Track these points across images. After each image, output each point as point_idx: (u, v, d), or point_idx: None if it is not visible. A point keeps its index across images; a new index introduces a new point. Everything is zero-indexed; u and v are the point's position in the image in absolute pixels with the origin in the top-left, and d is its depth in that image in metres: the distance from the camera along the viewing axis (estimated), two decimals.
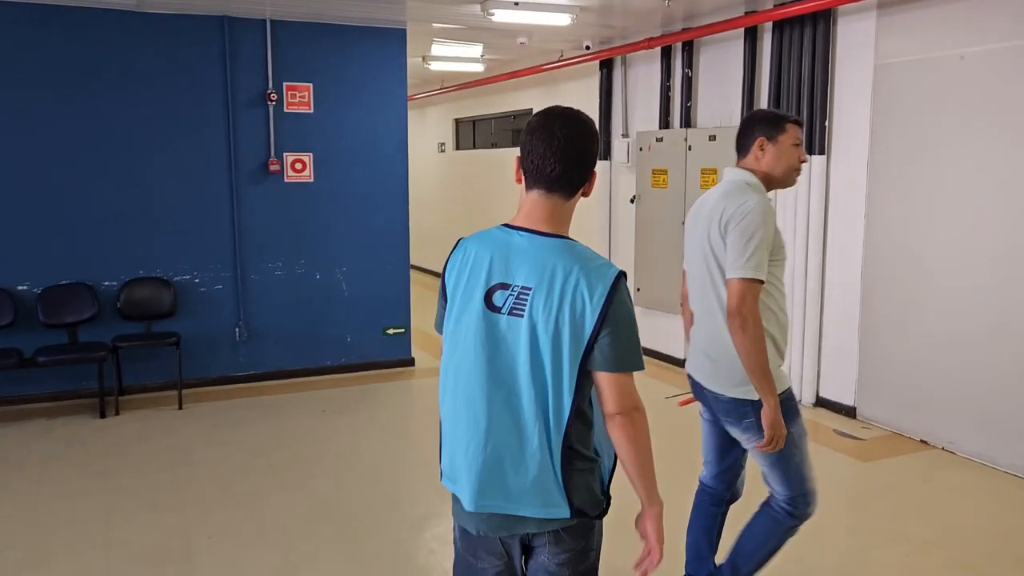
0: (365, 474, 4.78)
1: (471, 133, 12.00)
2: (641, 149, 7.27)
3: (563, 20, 6.40)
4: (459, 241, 1.94)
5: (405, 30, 6.87)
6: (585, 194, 1.89)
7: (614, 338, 1.78)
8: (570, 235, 1.88)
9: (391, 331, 7.12)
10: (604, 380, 1.81)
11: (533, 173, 1.83)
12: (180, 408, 6.00)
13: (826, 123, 5.72)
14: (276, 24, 6.45)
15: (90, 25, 5.96)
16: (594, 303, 1.76)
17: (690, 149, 6.68)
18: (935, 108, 5.04)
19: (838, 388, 5.84)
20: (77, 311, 6.01)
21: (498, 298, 1.81)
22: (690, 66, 6.92)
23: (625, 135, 7.85)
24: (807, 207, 5.86)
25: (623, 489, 2.02)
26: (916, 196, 5.18)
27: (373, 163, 6.93)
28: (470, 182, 11.54)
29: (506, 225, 1.89)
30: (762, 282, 2.63)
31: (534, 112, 1.92)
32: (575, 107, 1.88)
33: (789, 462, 2.83)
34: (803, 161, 2.86)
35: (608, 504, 1.95)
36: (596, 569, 2.00)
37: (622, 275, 1.80)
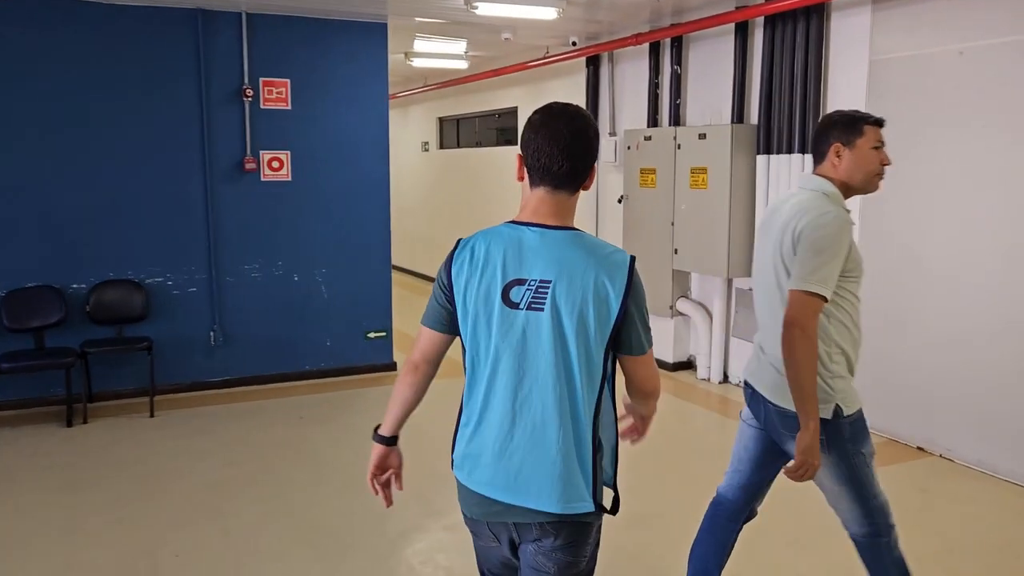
0: (343, 485, 4.58)
1: (455, 132, 11.82)
2: (629, 148, 7.12)
3: (549, 14, 6.23)
4: (460, 241, 1.94)
5: (386, 24, 6.67)
6: (585, 188, 1.91)
7: (639, 320, 1.86)
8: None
9: (372, 335, 6.92)
10: (638, 362, 1.91)
11: (540, 171, 1.86)
12: (152, 416, 5.77)
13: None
14: (252, 17, 6.23)
15: (55, 17, 5.72)
16: (616, 289, 1.81)
17: (679, 148, 6.52)
18: (932, 105, 4.91)
19: None
20: (44, 315, 5.76)
21: (515, 294, 1.83)
22: (679, 63, 6.77)
23: (612, 134, 7.71)
24: None
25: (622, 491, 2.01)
26: (913, 195, 5.04)
27: (354, 161, 6.73)
28: (454, 182, 11.36)
29: (513, 222, 1.90)
30: (825, 299, 2.46)
31: (533, 110, 1.91)
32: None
33: (863, 482, 2.67)
34: (885, 164, 2.65)
35: (618, 500, 1.98)
36: (592, 572, 2.01)
37: (634, 259, 1.87)
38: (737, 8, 6.00)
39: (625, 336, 1.85)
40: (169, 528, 4.04)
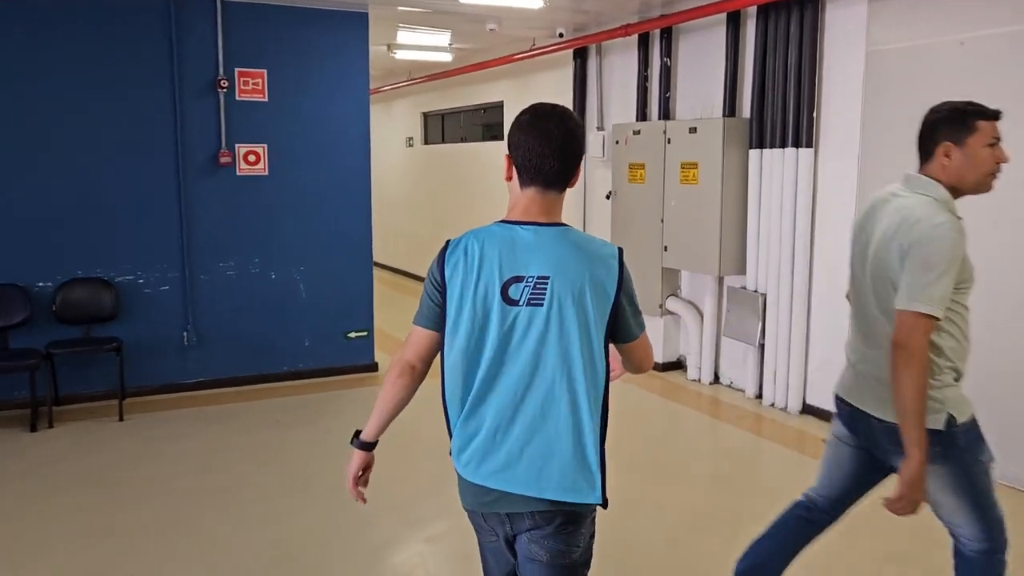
0: (321, 494, 4.37)
1: (440, 127, 11.61)
2: (617, 142, 6.94)
3: (534, 3, 6.05)
4: (450, 241, 1.96)
5: (367, 13, 6.45)
6: (571, 186, 1.96)
7: (631, 306, 1.95)
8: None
9: (353, 335, 6.71)
10: (635, 347, 2.00)
11: (532, 171, 1.90)
12: (121, 420, 5.53)
13: (814, 115, 5.41)
14: (227, 5, 6.00)
15: (16, 5, 5.46)
16: (610, 280, 1.89)
17: (669, 142, 6.35)
18: (932, 98, 4.68)
19: (826, 394, 5.48)
20: (7, 315, 5.52)
21: (514, 291, 1.87)
22: (669, 55, 6.60)
23: (600, 128, 7.53)
24: (793, 204, 5.56)
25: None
26: None
27: (334, 156, 6.51)
28: (439, 178, 11.16)
29: (505, 221, 1.94)
30: (937, 319, 2.27)
31: (519, 104, 1.85)
32: (550, 101, 1.97)
33: (982, 492, 2.48)
34: (1002, 162, 2.42)
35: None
36: (587, 564, 2.02)
37: (622, 250, 1.95)
38: None
39: (623, 324, 1.94)
40: (135, 542, 3.83)
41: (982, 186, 2.45)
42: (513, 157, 1.92)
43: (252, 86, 6.17)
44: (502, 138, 8.44)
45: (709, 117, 6.22)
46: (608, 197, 7.16)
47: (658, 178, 6.46)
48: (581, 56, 7.70)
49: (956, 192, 2.43)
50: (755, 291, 5.90)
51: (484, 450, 1.90)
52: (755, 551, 2.84)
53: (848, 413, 2.62)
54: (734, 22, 5.95)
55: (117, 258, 5.91)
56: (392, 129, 12.55)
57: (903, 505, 2.36)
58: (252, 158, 6.22)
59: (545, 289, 1.85)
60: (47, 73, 5.59)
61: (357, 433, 2.13)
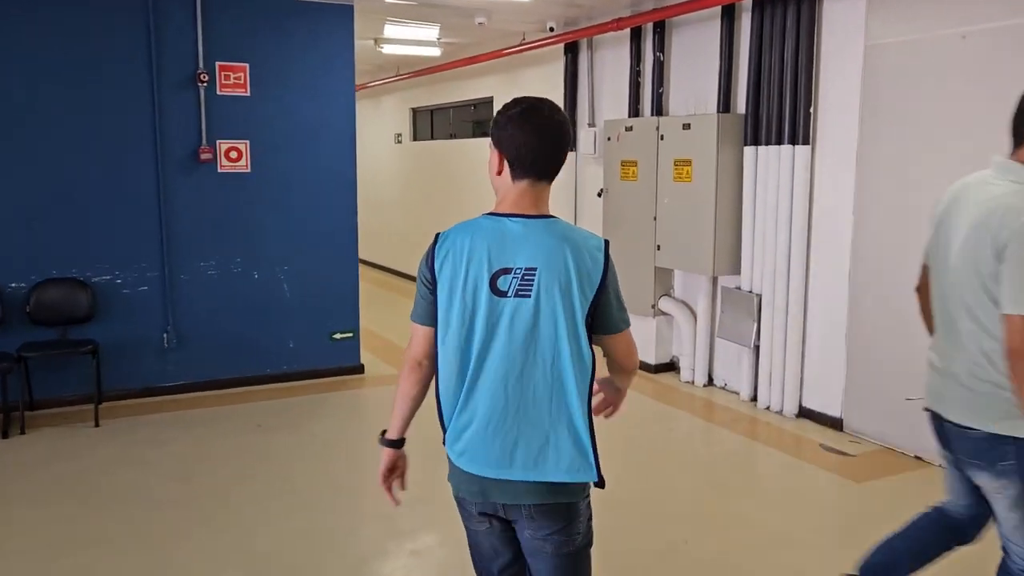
0: (301, 503, 4.21)
1: (429, 123, 11.44)
2: (609, 139, 6.79)
3: None
4: (440, 234, 1.99)
5: (352, 6, 6.28)
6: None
7: (616, 299, 1.98)
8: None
9: (338, 336, 6.54)
10: (618, 340, 2.02)
11: (526, 164, 1.94)
12: (97, 425, 5.35)
13: (811, 111, 5.28)
14: None
15: None
16: (597, 269, 1.93)
17: (662, 139, 6.20)
18: (933, 94, 4.62)
19: (823, 397, 5.40)
20: None
21: (502, 283, 1.90)
22: (662, 49, 6.45)
23: (592, 124, 7.38)
24: (789, 202, 5.42)
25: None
26: (911, 190, 4.75)
27: (318, 152, 6.34)
28: (429, 174, 11.00)
29: (493, 213, 1.98)
30: None
31: (496, 101, 1.71)
32: (538, 95, 2.01)
33: None
34: None
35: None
36: (589, 545, 2.07)
37: (608, 242, 2.00)
38: None
39: (606, 316, 1.97)
40: (111, 552, 3.67)
41: None
42: (505, 151, 1.94)
43: (234, 80, 5.99)
44: None
45: (703, 113, 6.07)
46: (600, 195, 7.01)
47: (651, 176, 6.32)
48: (572, 51, 7.55)
49: None
50: (750, 291, 5.77)
51: (479, 440, 1.94)
52: (884, 549, 2.70)
53: (938, 426, 2.46)
54: (729, 15, 5.80)
55: (94, 257, 5.73)
56: (381, 125, 12.38)
57: None
58: (234, 154, 6.05)
59: (533, 280, 1.89)
60: (18, 65, 5.40)
61: (384, 432, 2.16)
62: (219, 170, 6.01)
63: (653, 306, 6.52)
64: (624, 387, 2.17)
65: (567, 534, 1.99)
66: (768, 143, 5.53)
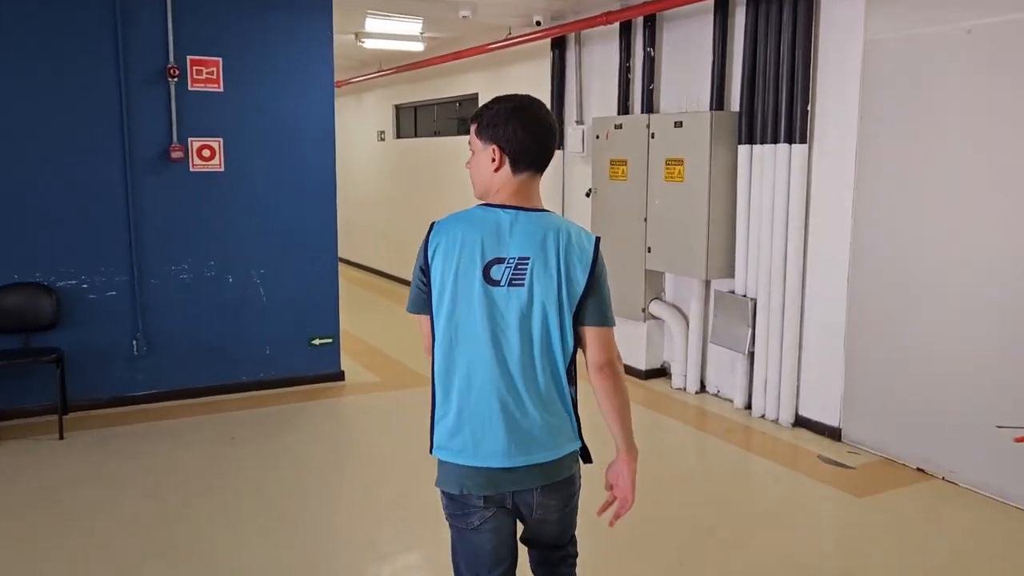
0: (274, 522, 3.97)
1: (412, 120, 11.20)
2: (598, 137, 6.58)
3: None
4: (434, 224, 2.04)
5: None
6: None
7: (600, 295, 2.03)
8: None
9: (317, 341, 6.30)
10: (594, 334, 2.03)
11: (527, 158, 2.01)
12: (61, 438, 5.09)
13: (808, 108, 5.09)
14: None
15: None
16: (584, 264, 2.00)
17: (653, 137, 6.00)
18: (935, 91, 4.43)
19: (820, 406, 5.22)
20: None
21: (495, 272, 1.96)
22: (653, 44, 6.25)
23: (580, 122, 7.18)
24: (786, 203, 5.23)
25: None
26: (912, 191, 4.57)
27: (295, 150, 6.09)
28: (413, 173, 10.76)
29: (487, 205, 2.03)
30: None
31: (482, 98, 1.57)
32: (525, 92, 2.10)
33: None
34: None
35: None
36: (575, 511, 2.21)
37: (599, 238, 2.07)
38: None
39: (591, 306, 2.01)
40: (74, 571, 3.46)
41: None
42: (505, 147, 1.99)
43: (206, 75, 5.73)
44: None
45: (695, 110, 5.88)
46: (588, 195, 6.81)
47: (641, 175, 6.11)
48: (559, 46, 7.34)
49: None
50: (744, 296, 5.58)
51: (480, 432, 1.98)
52: None
53: None
54: (722, 9, 5.61)
55: (58, 261, 5.46)
56: (363, 122, 12.12)
57: None
58: (207, 153, 5.79)
59: (526, 270, 1.96)
60: None
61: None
62: (191, 169, 5.75)
63: (643, 310, 6.32)
64: (610, 418, 2.08)
65: (567, 502, 2.13)
66: (763, 141, 5.34)
